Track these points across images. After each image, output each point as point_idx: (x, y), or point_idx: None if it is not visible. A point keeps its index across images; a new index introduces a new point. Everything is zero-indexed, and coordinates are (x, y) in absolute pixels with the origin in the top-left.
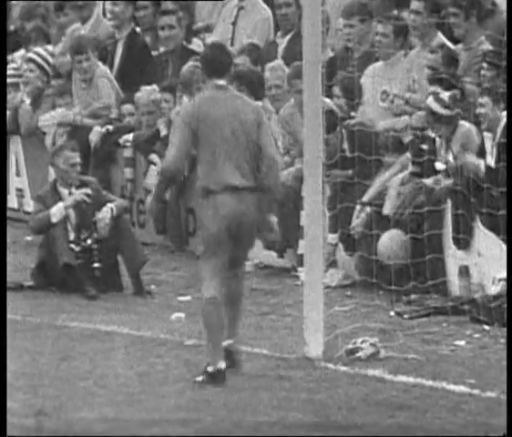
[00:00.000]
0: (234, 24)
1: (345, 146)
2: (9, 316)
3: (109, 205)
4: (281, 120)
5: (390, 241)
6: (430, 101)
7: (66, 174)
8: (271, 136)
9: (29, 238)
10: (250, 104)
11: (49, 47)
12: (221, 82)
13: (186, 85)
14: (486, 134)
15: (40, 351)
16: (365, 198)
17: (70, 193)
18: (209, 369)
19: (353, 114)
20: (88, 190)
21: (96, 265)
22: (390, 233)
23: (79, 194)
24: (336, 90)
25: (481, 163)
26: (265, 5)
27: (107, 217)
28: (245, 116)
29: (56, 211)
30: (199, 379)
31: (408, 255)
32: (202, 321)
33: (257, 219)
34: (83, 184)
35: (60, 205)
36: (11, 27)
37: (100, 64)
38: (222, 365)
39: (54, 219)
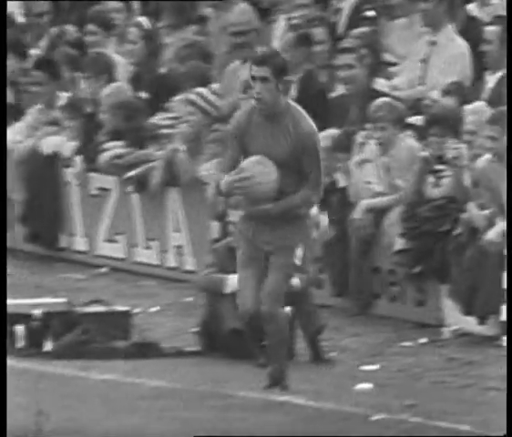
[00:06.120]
0: (425, 61)
1: None
2: (169, 385)
3: None
4: (479, 175)
5: None
6: None
7: None
8: None
9: (189, 300)
10: None
11: (214, 86)
12: None
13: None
14: None
15: (204, 426)
16: None
17: None
18: None
19: None
20: None
21: None
22: None
23: None
24: None
25: None
26: (461, 40)
27: None
28: None
29: (230, 282)
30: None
31: None
32: None
33: None
34: None
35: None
36: (161, 70)
37: None
38: None
39: (227, 290)
